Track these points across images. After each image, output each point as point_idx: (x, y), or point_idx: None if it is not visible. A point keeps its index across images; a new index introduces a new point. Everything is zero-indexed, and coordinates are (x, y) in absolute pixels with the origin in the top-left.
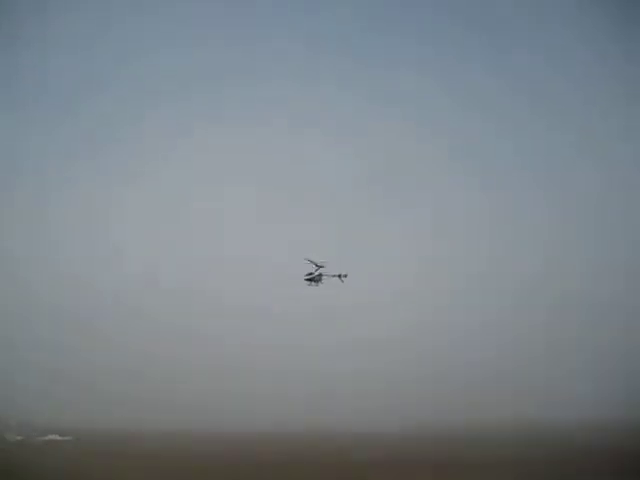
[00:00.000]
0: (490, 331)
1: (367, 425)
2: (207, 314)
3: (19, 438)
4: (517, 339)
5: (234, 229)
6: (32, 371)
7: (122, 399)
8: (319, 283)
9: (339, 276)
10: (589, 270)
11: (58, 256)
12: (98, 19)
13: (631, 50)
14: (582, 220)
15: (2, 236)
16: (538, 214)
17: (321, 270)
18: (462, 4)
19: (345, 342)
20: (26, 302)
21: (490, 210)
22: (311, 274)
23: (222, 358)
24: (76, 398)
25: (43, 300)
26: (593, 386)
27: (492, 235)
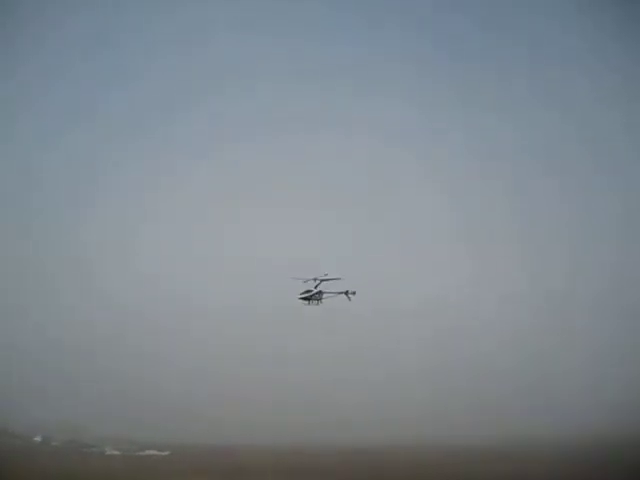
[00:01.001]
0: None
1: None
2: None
3: (116, 452)
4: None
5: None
6: (128, 387)
7: (217, 414)
8: (319, 302)
9: (346, 293)
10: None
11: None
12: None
13: None
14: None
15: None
16: (562, 223)
17: (322, 286)
18: (462, 3)
19: (357, 354)
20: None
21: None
22: (309, 291)
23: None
24: (173, 413)
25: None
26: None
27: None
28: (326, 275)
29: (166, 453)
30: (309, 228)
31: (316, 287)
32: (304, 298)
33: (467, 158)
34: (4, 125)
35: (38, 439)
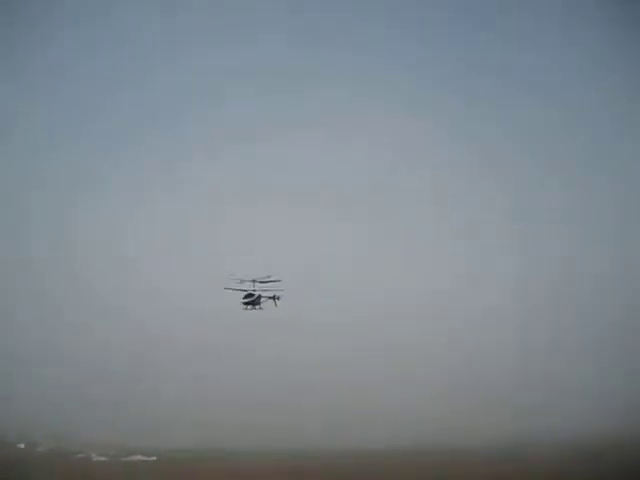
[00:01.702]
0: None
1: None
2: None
3: (103, 459)
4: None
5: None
6: (114, 391)
7: (205, 418)
8: (257, 307)
9: (273, 298)
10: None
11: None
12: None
13: None
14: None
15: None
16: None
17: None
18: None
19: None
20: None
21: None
22: (251, 295)
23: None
24: (160, 418)
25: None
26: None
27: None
28: (268, 277)
29: (153, 458)
30: (305, 229)
31: (254, 290)
32: (247, 302)
33: (466, 157)
34: (4, 125)
35: (22, 446)
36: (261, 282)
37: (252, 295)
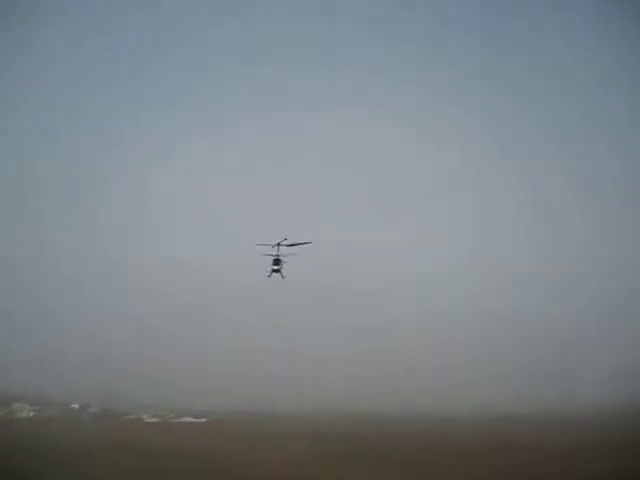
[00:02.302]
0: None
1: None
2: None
3: (154, 420)
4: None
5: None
6: (168, 356)
7: (252, 380)
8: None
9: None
10: None
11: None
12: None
13: None
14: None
15: None
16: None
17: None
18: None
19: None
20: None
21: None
22: (278, 260)
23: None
24: (208, 381)
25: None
26: None
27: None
28: (285, 240)
29: (202, 420)
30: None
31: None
32: (275, 270)
33: (483, 139)
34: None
35: (76, 406)
36: (288, 245)
37: (279, 260)
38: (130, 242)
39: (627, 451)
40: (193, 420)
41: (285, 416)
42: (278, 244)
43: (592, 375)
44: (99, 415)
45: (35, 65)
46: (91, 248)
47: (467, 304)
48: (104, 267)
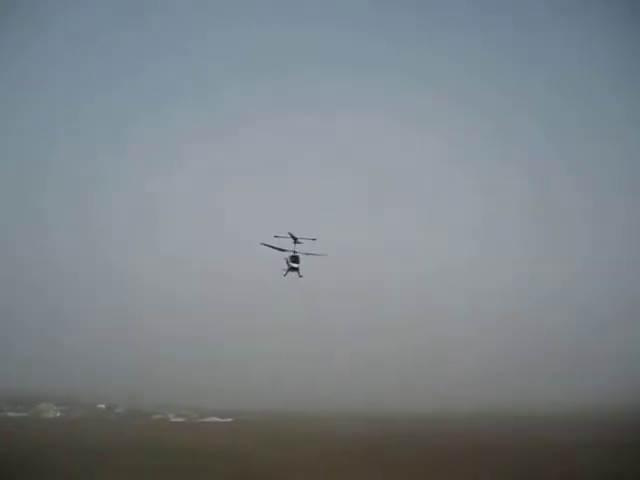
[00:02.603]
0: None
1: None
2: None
3: (180, 420)
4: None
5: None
6: (189, 356)
7: (277, 382)
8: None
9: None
10: None
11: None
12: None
13: None
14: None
15: None
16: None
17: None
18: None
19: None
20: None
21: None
22: (296, 258)
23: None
24: (234, 382)
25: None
26: None
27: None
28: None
29: (228, 420)
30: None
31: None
32: (294, 268)
33: (484, 144)
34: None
35: (102, 406)
36: (299, 241)
37: (297, 258)
38: (143, 244)
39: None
40: (219, 420)
41: (302, 415)
42: (295, 240)
43: (592, 374)
44: (125, 415)
45: (35, 65)
46: (95, 252)
47: (469, 304)
48: (120, 272)
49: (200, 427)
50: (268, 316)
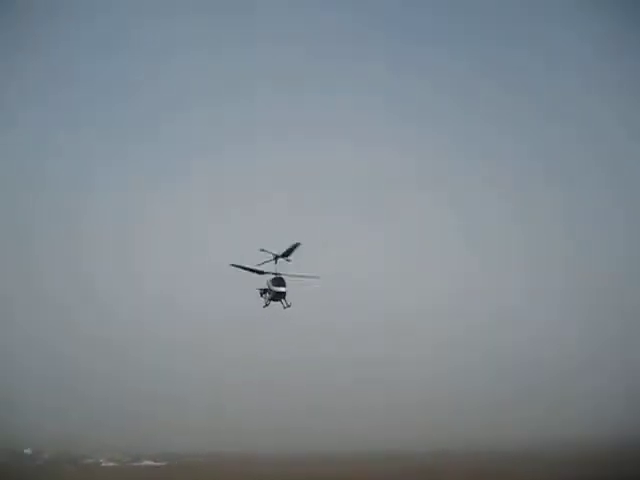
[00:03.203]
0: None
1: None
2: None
3: (112, 464)
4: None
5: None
6: (122, 398)
7: (213, 424)
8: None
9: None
10: None
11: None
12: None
13: None
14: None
15: None
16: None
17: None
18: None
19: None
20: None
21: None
22: (281, 280)
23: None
24: (168, 424)
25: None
26: None
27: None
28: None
29: (162, 464)
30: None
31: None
32: (279, 292)
33: (468, 162)
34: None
35: (28, 452)
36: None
37: (282, 280)
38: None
39: None
40: (152, 463)
41: (261, 457)
42: (276, 257)
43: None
44: (53, 461)
45: (35, 65)
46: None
47: (469, 336)
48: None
49: (131, 471)
50: (235, 353)
